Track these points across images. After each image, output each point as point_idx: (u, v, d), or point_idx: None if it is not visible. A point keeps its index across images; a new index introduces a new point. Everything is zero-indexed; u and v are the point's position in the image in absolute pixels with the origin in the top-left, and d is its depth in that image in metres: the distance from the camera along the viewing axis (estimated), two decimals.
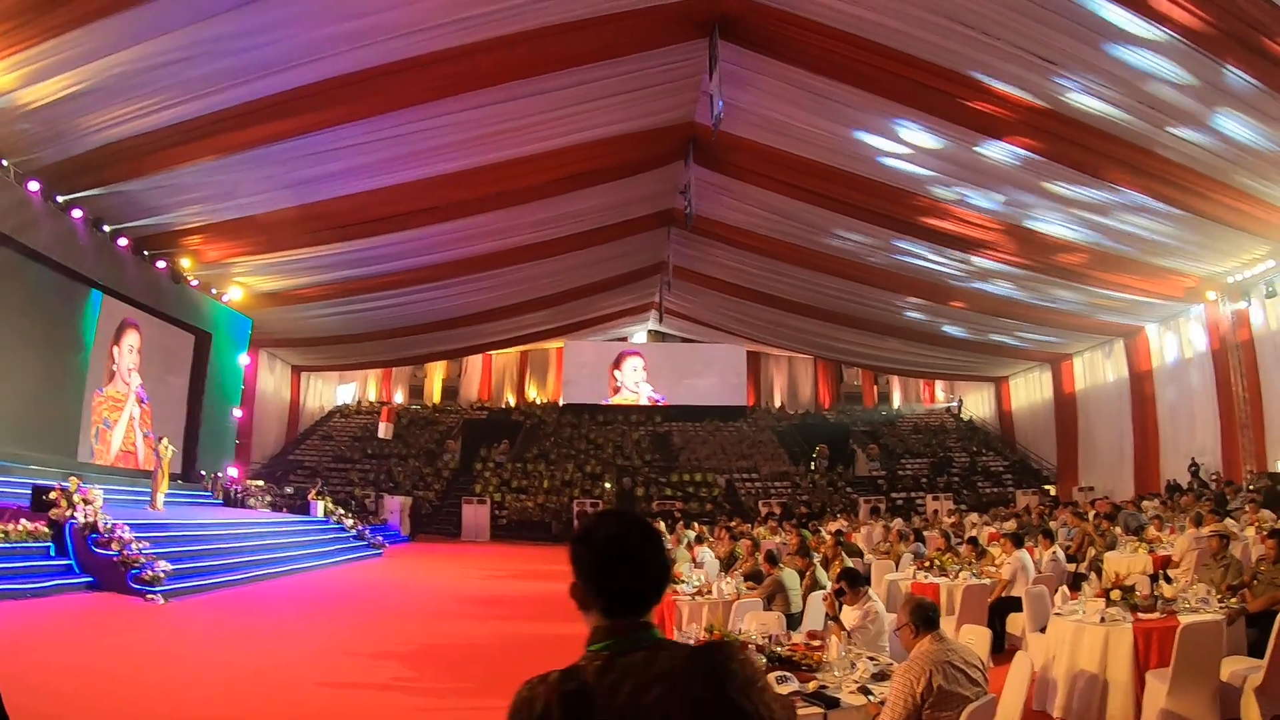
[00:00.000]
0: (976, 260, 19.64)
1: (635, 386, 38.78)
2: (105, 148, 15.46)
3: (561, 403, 39.35)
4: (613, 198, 20.99)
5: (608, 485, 31.78)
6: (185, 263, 21.59)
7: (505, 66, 14.55)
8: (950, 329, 25.62)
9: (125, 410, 21.79)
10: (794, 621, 8.26)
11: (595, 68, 15.09)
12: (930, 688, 4.13)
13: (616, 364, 39.04)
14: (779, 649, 5.62)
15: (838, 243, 20.64)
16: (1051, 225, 17.12)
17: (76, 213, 17.76)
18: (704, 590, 9.31)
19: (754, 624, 6.74)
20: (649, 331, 39.40)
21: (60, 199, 17.29)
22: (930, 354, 28.74)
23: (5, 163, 15.82)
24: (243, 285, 23.63)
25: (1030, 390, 31.19)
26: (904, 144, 15.68)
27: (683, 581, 9.63)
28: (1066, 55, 11.95)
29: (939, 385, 39.72)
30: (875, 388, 40.79)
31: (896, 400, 40.65)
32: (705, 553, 14.01)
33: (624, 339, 39.93)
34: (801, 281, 23.65)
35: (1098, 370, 25.85)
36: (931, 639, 4.40)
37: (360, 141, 16.22)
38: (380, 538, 24.04)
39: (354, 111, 15.31)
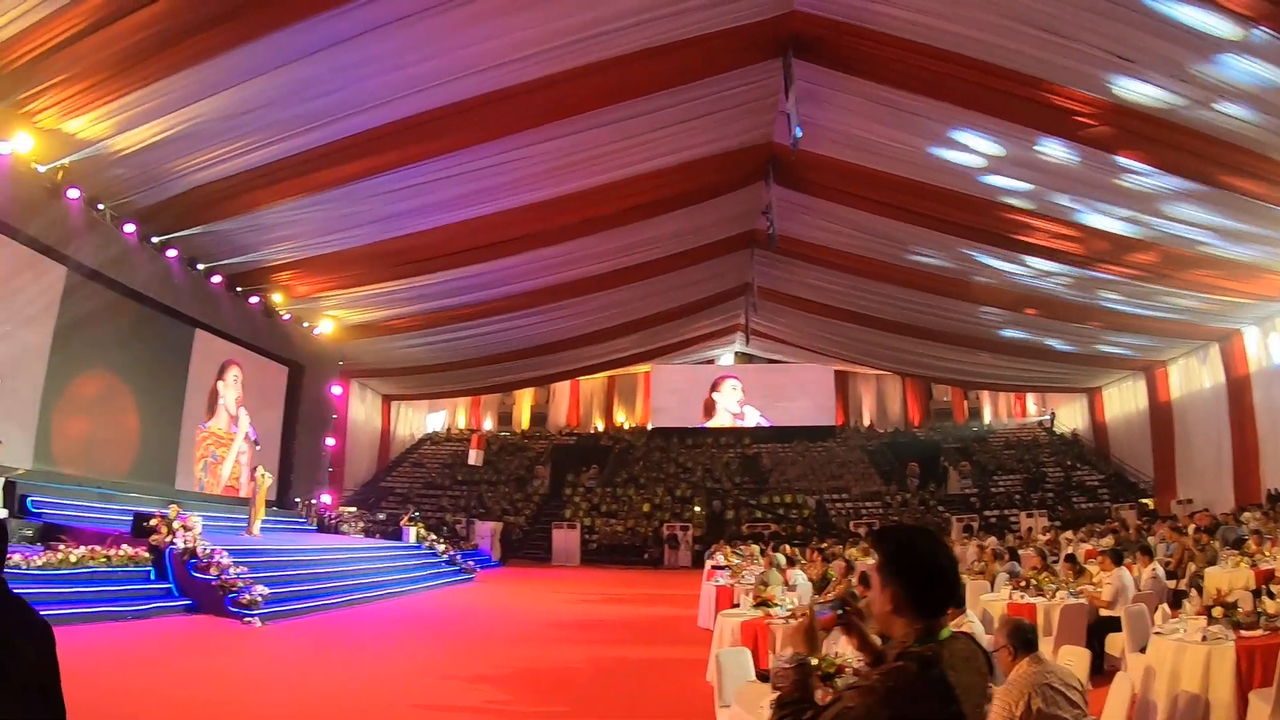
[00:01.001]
0: (1064, 268, 18.98)
1: (738, 407, 38.49)
2: (196, 189, 16.10)
3: (650, 427, 39.33)
4: (695, 221, 20.94)
5: (698, 509, 31.61)
6: (277, 298, 22.33)
7: (581, 97, 14.73)
8: (1041, 340, 24.85)
9: (234, 446, 22.76)
10: None
11: (670, 94, 15.11)
12: (1029, 711, 4.01)
13: (714, 387, 38.84)
14: None
15: (923, 257, 20.19)
16: (1139, 228, 16.40)
17: (171, 252, 18.56)
18: (797, 613, 8.97)
19: (850, 647, 6.48)
20: (736, 353, 39.17)
21: (155, 240, 18.10)
22: (1021, 366, 27.85)
23: (102, 206, 16.64)
24: (333, 318, 24.24)
25: (1124, 400, 29.87)
26: (986, 154, 15.28)
27: (776, 605, 9.38)
28: (1145, 52, 11.46)
29: (1030, 398, 38.55)
30: (965, 403, 39.60)
31: (987, 415, 39.43)
32: (797, 575, 13.78)
33: (711, 361, 39.79)
34: (888, 298, 23.23)
35: (1193, 377, 24.65)
36: (1030, 661, 4.29)
37: (443, 176, 16.57)
38: (472, 562, 24.26)
39: (436, 147, 15.67)
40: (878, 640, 2.61)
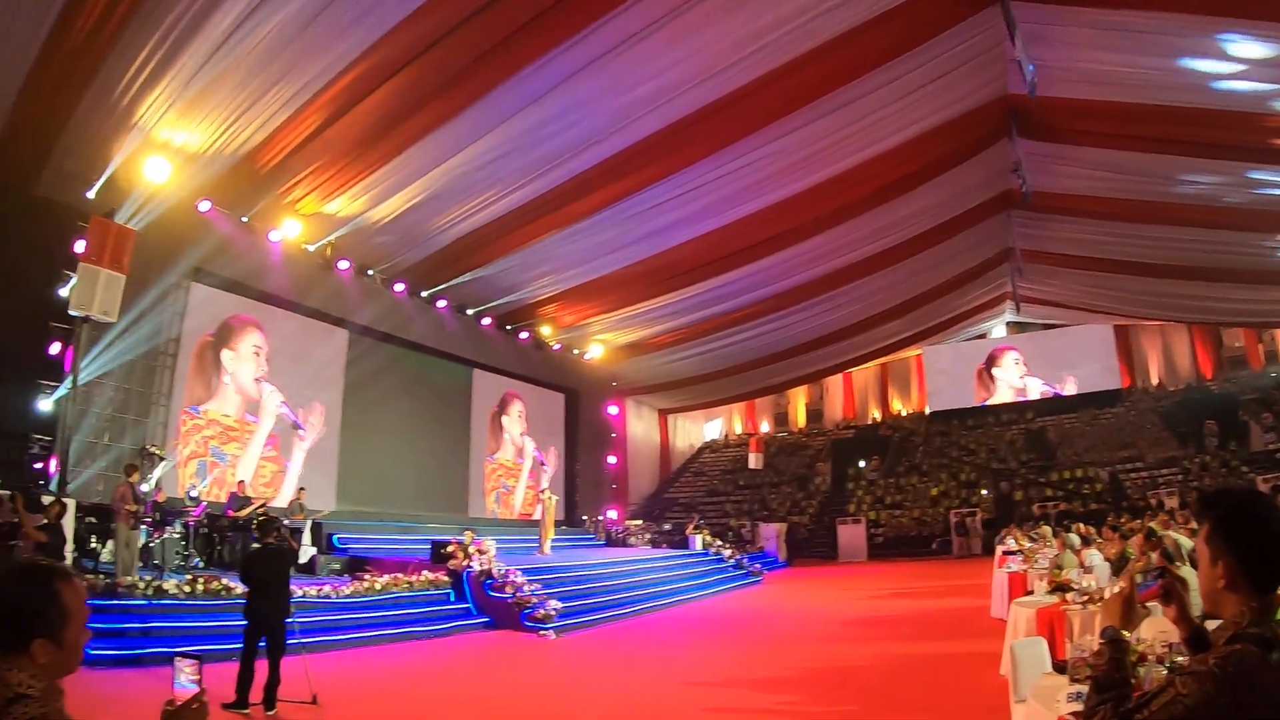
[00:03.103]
0: None
1: (1019, 381, 36.40)
2: (455, 242, 17.68)
3: (928, 411, 38.13)
4: (943, 192, 20.23)
5: (984, 492, 30.23)
6: (545, 330, 23.74)
7: (804, 88, 14.79)
8: None
9: (522, 476, 24.64)
10: None
11: (892, 66, 14.80)
12: None
13: (993, 362, 37.05)
14: (1180, 659, 4.99)
15: (1189, 189, 18.06)
16: None
17: (441, 303, 20.60)
18: (1095, 597, 8.19)
19: (1152, 631, 5.76)
20: (1007, 324, 37.17)
21: (425, 293, 20.16)
22: None
23: (371, 272, 18.69)
24: (601, 342, 25.43)
25: None
26: (1235, 59, 13.45)
27: (1073, 589, 8.74)
28: None
29: None
30: (1260, 346, 34.74)
31: None
32: (1093, 555, 13.01)
33: (982, 336, 37.96)
34: (1160, 240, 20.89)
35: None
36: None
37: (684, 190, 17.16)
38: (758, 565, 24.53)
39: (674, 163, 16.30)
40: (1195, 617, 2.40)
